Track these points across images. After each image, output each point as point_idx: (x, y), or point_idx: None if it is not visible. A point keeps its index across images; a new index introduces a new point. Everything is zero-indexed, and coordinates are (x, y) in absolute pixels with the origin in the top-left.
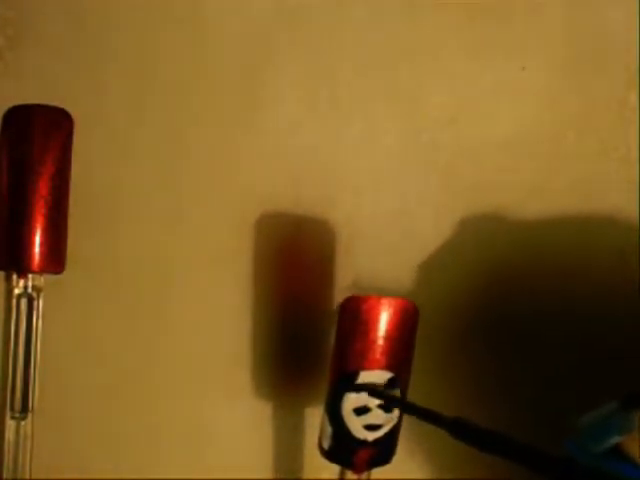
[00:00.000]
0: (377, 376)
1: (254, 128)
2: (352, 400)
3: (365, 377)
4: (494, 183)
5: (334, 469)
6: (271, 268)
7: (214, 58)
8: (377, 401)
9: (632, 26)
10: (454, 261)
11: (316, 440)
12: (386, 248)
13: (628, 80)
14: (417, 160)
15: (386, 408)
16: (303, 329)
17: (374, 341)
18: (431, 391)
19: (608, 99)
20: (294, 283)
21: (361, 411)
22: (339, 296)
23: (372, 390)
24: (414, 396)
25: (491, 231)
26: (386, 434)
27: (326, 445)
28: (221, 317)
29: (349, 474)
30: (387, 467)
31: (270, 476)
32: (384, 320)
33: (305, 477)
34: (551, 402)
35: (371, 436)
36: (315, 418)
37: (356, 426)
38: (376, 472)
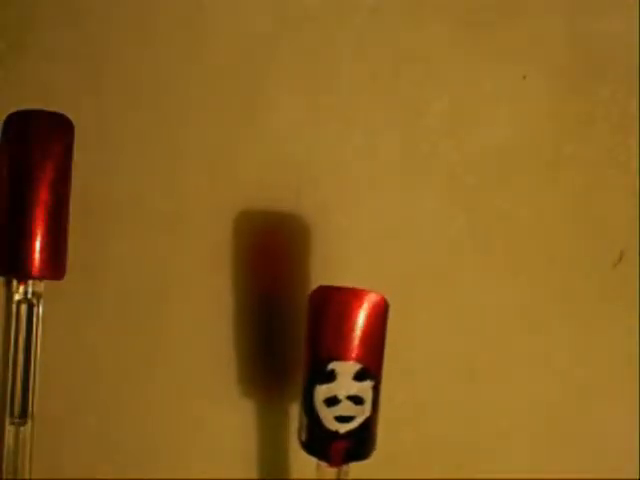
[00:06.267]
0: (348, 367)
1: (253, 133)
2: (323, 391)
3: (335, 367)
4: (493, 190)
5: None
6: (268, 272)
7: (214, 62)
8: (346, 392)
9: (632, 34)
10: (455, 267)
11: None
12: (385, 257)
13: (628, 88)
14: (417, 167)
15: (356, 400)
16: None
17: (345, 332)
18: None
19: (608, 107)
20: (292, 287)
21: (331, 402)
22: None
23: None
24: None
25: (490, 237)
26: (360, 426)
27: (303, 437)
28: (221, 320)
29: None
30: None
31: (256, 476)
32: (355, 312)
33: (293, 475)
34: None
35: (343, 428)
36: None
37: (327, 417)
38: None
